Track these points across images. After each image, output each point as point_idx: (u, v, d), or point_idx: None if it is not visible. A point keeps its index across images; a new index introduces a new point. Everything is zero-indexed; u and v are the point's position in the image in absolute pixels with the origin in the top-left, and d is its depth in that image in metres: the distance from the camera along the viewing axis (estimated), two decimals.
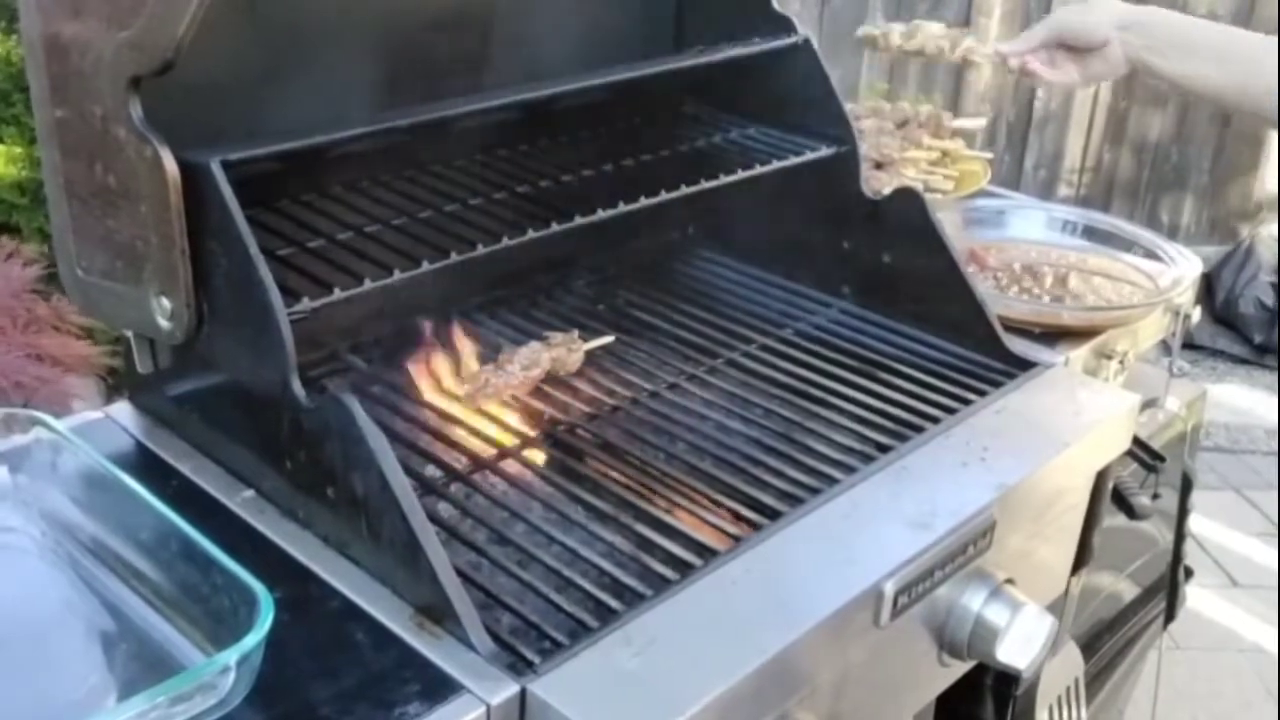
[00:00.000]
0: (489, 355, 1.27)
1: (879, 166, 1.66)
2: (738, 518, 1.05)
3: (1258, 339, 3.94)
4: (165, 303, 0.98)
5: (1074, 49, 1.49)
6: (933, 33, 1.56)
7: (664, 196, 1.21)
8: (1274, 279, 3.95)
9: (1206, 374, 3.89)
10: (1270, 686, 2.64)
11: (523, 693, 0.84)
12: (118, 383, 2.23)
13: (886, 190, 1.37)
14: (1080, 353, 1.39)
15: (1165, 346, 1.60)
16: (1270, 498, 3.28)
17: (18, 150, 2.68)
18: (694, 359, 1.31)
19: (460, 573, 0.91)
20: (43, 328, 2.09)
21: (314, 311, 0.97)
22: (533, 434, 1.18)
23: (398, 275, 1.03)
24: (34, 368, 2.00)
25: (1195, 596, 2.77)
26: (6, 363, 1.98)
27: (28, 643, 0.91)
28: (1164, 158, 4.11)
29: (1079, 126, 4.11)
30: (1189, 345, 3.98)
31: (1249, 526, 3.21)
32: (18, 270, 2.17)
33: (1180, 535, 1.78)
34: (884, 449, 1.15)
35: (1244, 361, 3.97)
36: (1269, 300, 3.92)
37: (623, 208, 1.18)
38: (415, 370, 1.26)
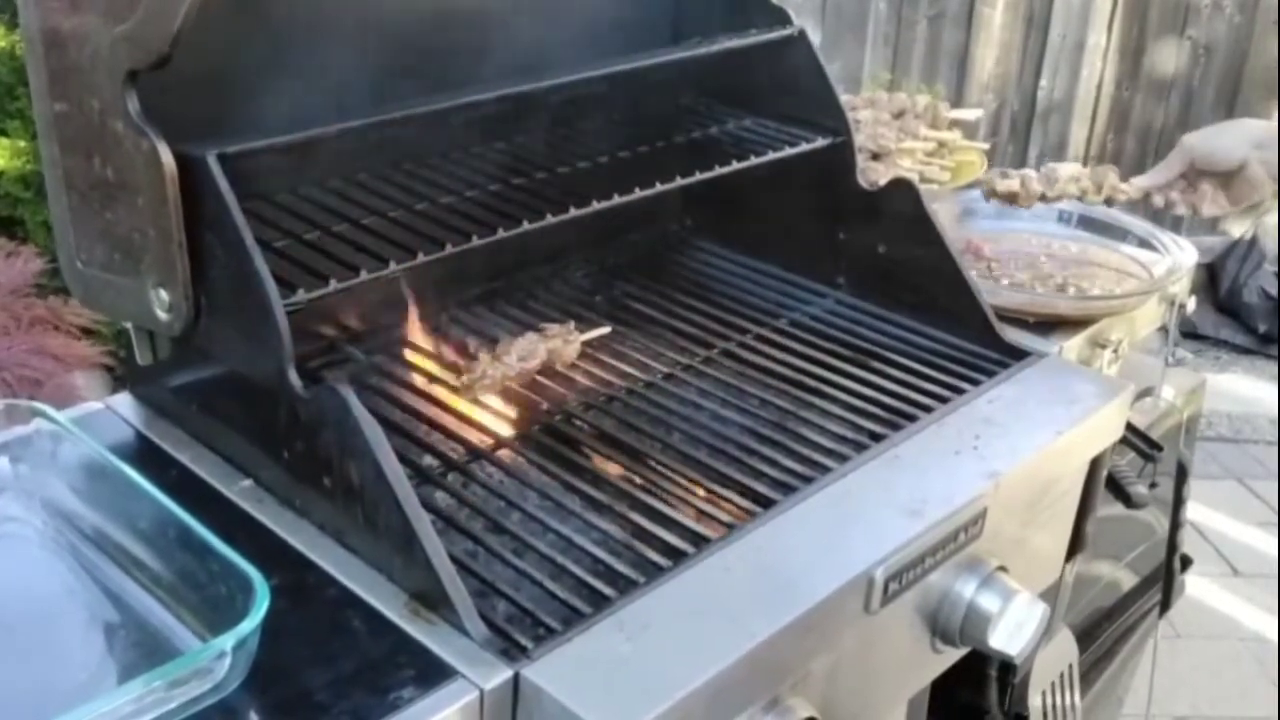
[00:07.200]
0: (486, 346, 1.27)
1: (875, 157, 1.66)
2: (732, 506, 1.06)
3: (1261, 328, 3.94)
4: (163, 295, 0.99)
5: (1214, 174, 1.48)
6: (1072, 175, 1.48)
7: (660, 188, 1.22)
8: (1277, 269, 3.95)
9: (1210, 364, 3.89)
10: (1271, 674, 2.65)
11: (516, 677, 0.85)
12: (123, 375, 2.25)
13: (882, 181, 1.37)
14: (1074, 342, 1.40)
15: (1166, 335, 1.60)
16: (1272, 487, 3.28)
17: (22, 144, 2.70)
18: (689, 349, 1.32)
19: (456, 561, 0.92)
20: (45, 328, 2.10)
21: (310, 303, 0.98)
22: (529, 424, 1.19)
23: (393, 267, 1.04)
24: (38, 360, 2.02)
25: (1196, 585, 2.78)
26: (13, 357, 2.00)
27: (30, 630, 0.92)
28: (1168, 146, 4.07)
29: (1083, 115, 4.11)
30: (1193, 335, 3.98)
31: (1251, 516, 3.22)
32: (19, 265, 2.18)
33: (1175, 524, 1.79)
34: (877, 438, 1.15)
35: (1247, 351, 3.97)
36: (1273, 290, 3.92)
37: (619, 199, 1.18)
38: (412, 361, 1.27)
